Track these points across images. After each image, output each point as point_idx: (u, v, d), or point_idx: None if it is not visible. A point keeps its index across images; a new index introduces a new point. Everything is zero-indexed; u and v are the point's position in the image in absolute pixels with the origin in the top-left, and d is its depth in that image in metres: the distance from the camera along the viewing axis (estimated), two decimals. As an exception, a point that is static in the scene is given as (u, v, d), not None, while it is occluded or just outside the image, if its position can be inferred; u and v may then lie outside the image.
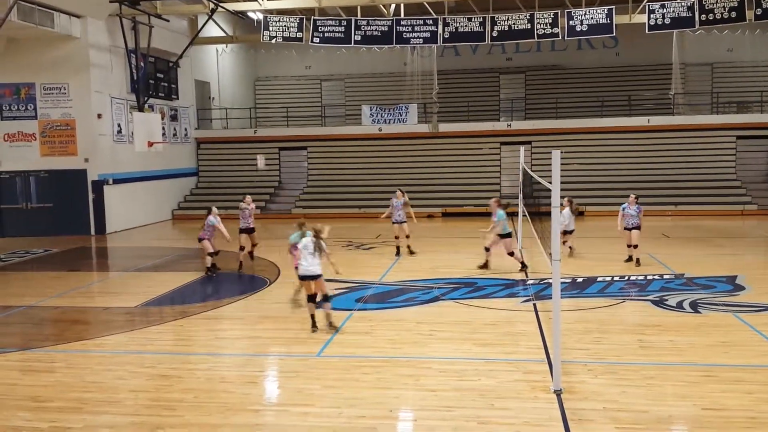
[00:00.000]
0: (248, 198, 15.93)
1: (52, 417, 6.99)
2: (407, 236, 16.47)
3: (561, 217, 13.74)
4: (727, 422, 6.50)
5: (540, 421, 6.62)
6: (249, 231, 15.59)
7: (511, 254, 14.14)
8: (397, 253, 16.45)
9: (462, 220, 24.58)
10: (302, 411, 7.00)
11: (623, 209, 15.06)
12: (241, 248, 15.33)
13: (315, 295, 9.97)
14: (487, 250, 14.48)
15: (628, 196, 15.43)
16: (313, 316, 9.94)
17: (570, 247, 15.81)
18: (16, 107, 22.02)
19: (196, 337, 10.09)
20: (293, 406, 7.18)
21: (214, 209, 14.99)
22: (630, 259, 14.76)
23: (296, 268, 10.28)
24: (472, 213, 25.35)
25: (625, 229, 14.92)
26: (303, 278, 9.96)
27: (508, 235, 14.23)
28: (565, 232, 15.66)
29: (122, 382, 8.09)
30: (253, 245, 15.84)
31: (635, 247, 14.68)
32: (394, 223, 16.42)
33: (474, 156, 28.19)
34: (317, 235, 9.90)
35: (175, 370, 8.42)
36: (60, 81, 21.82)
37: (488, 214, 14.96)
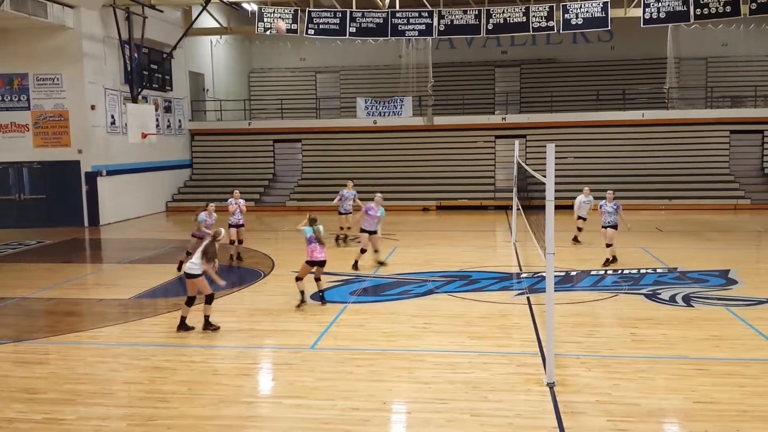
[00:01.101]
0: (236, 193, 15.62)
1: (45, 409, 6.99)
2: (350, 228, 17.24)
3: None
4: (719, 415, 6.54)
5: (533, 414, 6.66)
6: (238, 226, 15.28)
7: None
8: (337, 240, 17.18)
9: (456, 213, 24.61)
10: (296, 403, 7.01)
11: (600, 206, 14.52)
12: (231, 242, 15.14)
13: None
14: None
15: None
16: (303, 292, 10.86)
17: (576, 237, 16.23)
18: (9, 98, 21.89)
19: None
20: (287, 398, 7.20)
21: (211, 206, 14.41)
22: (608, 261, 14.07)
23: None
24: (466, 206, 25.41)
25: (602, 227, 14.30)
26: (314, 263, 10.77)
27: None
28: (582, 218, 16.18)
29: (116, 373, 8.09)
30: (239, 241, 15.39)
31: (608, 246, 14.07)
32: (340, 213, 17.48)
33: (469, 149, 28.19)
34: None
35: (168, 362, 8.42)
36: (53, 72, 21.69)
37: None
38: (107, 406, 7.03)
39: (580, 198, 16.55)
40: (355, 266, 13.82)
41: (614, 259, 14.15)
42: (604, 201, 14.54)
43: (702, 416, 6.54)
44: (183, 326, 9.73)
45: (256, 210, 26.68)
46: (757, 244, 17.98)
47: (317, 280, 11.06)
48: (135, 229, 22.13)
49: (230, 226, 15.06)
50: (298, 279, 10.96)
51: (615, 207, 14.26)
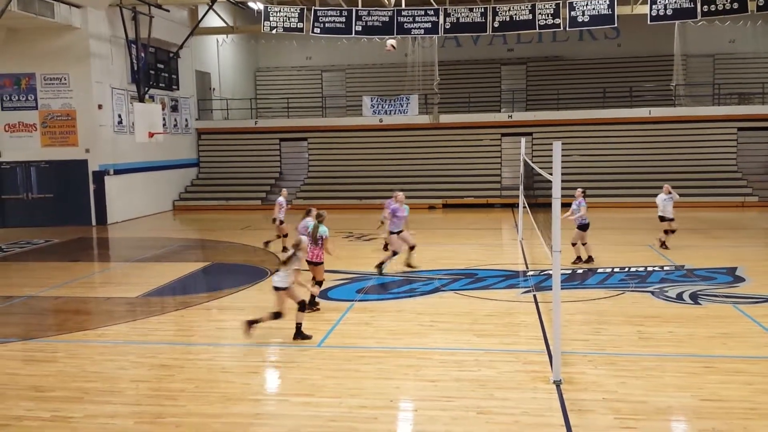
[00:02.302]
0: (285, 192, 16.69)
1: (53, 407, 7.03)
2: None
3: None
4: (726, 413, 6.52)
5: (540, 412, 6.65)
6: (281, 222, 16.00)
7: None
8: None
9: (463, 211, 24.58)
10: (303, 401, 7.03)
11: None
12: (285, 235, 15.82)
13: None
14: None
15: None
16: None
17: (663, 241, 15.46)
18: (16, 97, 22.00)
19: (197, 327, 10.12)
20: (294, 396, 7.21)
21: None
22: (578, 260, 13.78)
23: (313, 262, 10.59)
24: (472, 204, 25.38)
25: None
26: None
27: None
28: (663, 219, 15.32)
29: (123, 371, 8.13)
30: (284, 236, 16.02)
31: (573, 245, 13.65)
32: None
33: (475, 147, 28.15)
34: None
35: (176, 360, 8.46)
36: (60, 71, 21.78)
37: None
38: (115, 404, 7.06)
39: (661, 196, 15.68)
40: (380, 267, 13.29)
41: (590, 259, 13.81)
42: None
43: (709, 414, 6.52)
44: (300, 334, 9.14)
45: (263, 209, 26.73)
46: (764, 241, 17.89)
47: (314, 281, 10.63)
48: (142, 227, 22.20)
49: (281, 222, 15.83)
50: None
51: (578, 204, 13.56)
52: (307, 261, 10.34)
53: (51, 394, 7.37)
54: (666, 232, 15.61)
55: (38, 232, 20.64)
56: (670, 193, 15.65)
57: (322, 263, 10.65)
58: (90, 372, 8.05)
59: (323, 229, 10.58)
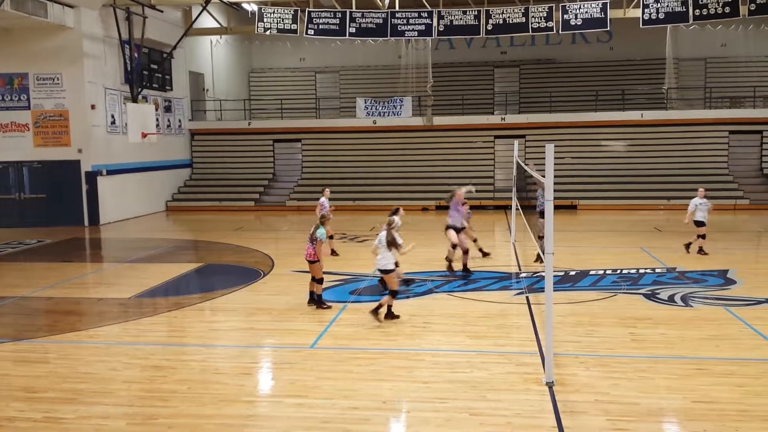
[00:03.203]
0: (327, 191, 16.08)
1: (45, 407, 7.00)
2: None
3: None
4: (718, 415, 6.56)
5: (532, 413, 6.67)
6: None
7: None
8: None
9: (456, 213, 24.57)
10: (296, 402, 7.03)
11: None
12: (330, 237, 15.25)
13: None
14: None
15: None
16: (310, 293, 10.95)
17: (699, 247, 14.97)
18: (9, 97, 21.90)
19: (189, 328, 10.10)
20: (287, 397, 7.21)
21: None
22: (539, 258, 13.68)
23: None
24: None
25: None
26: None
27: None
28: (699, 224, 14.74)
29: (116, 372, 8.10)
30: (329, 237, 15.34)
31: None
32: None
33: (468, 149, 28.22)
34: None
35: (168, 361, 8.44)
36: (53, 71, 21.71)
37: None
38: (107, 405, 7.04)
39: (695, 201, 15.29)
40: (450, 268, 13.40)
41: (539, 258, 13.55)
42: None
43: (701, 416, 6.56)
44: (390, 314, 9.96)
45: (256, 210, 26.73)
46: (756, 244, 17.99)
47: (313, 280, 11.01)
48: (135, 228, 22.14)
49: None
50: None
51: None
52: (306, 260, 10.76)
53: (43, 395, 7.34)
54: (699, 237, 15.18)
55: (30, 232, 20.56)
56: (705, 197, 15.23)
57: (317, 261, 10.73)
58: (82, 373, 8.03)
59: (321, 232, 10.70)
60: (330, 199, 15.81)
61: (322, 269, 10.97)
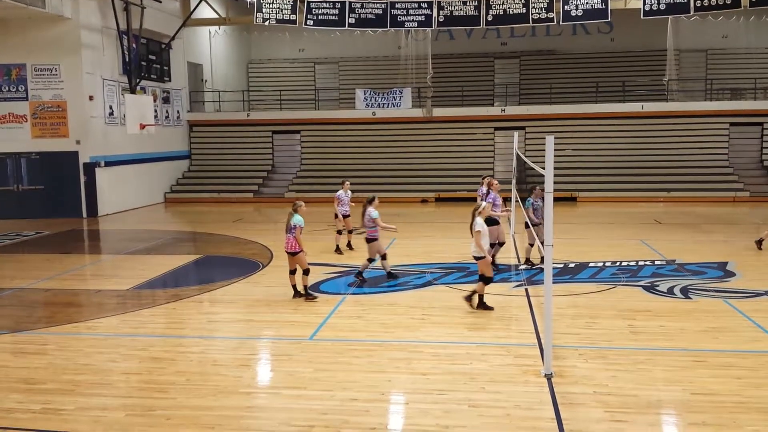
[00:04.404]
0: (347, 184, 15.48)
1: (44, 399, 7.00)
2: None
3: None
4: (716, 407, 6.56)
5: (531, 405, 6.67)
6: (346, 216, 15.19)
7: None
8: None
9: (455, 204, 24.58)
10: (295, 394, 7.03)
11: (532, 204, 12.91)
12: (349, 231, 15.26)
13: None
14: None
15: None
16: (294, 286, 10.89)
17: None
18: (6, 88, 21.83)
19: (188, 320, 10.09)
20: (285, 388, 7.21)
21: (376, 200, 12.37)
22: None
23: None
24: (465, 198, 25.37)
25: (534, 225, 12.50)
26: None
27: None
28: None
29: (114, 364, 8.10)
30: (349, 231, 15.38)
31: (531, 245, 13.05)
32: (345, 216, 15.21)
33: (468, 141, 28.16)
34: None
35: (167, 352, 8.43)
36: (51, 62, 21.62)
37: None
38: (106, 397, 7.04)
39: None
40: (528, 262, 13.20)
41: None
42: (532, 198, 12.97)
43: (699, 407, 6.55)
44: (483, 305, 10.01)
45: (254, 201, 26.70)
46: (755, 236, 17.93)
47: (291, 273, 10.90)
48: (133, 220, 22.12)
49: (344, 216, 15.13)
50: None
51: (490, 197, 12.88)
52: (286, 252, 10.68)
53: (41, 387, 7.34)
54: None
55: (28, 224, 20.53)
56: None
57: (300, 252, 10.61)
58: (81, 364, 8.02)
59: (297, 219, 10.58)
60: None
61: (306, 259, 10.79)
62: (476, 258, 9.92)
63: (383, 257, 12.04)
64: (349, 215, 15.30)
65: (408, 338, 8.87)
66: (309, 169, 28.56)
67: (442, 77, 30.14)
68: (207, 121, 29.61)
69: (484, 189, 13.48)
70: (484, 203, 10.39)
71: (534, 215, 12.51)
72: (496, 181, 13.12)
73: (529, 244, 13.21)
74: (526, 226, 12.90)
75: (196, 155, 29.52)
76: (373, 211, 11.81)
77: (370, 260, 12.02)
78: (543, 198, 12.67)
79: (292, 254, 10.67)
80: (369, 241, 11.88)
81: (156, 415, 6.57)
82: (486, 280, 9.98)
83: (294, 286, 10.91)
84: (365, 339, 8.87)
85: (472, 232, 9.80)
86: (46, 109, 21.94)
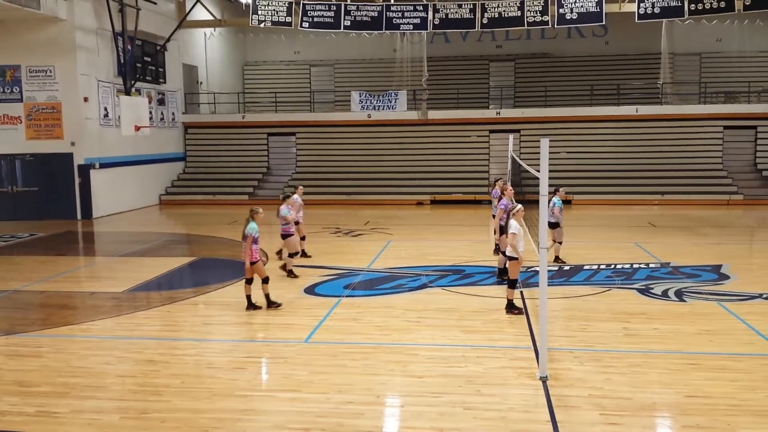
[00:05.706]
0: (300, 189, 14.79)
1: (38, 402, 6.97)
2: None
3: None
4: (711, 409, 6.58)
5: (526, 407, 6.68)
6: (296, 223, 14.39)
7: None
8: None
9: (451, 207, 24.61)
10: (290, 397, 7.02)
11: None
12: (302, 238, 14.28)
13: None
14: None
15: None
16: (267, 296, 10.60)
17: None
18: (1, 90, 21.76)
19: (183, 322, 10.07)
20: (281, 391, 7.20)
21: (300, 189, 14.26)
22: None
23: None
24: (460, 200, 25.41)
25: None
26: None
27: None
28: None
29: (109, 367, 8.07)
30: (301, 238, 14.30)
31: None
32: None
33: (463, 143, 28.19)
34: None
35: (162, 355, 8.41)
36: (46, 63, 21.56)
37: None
38: (100, 399, 7.02)
39: None
40: (558, 259, 13.57)
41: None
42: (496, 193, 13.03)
43: (694, 410, 6.57)
44: (512, 307, 10.05)
45: (250, 203, 26.65)
46: (749, 239, 18.04)
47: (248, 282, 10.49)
48: (128, 222, 22.06)
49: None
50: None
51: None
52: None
53: (36, 389, 7.31)
54: None
55: (23, 225, 20.46)
56: None
57: (257, 261, 10.25)
58: (75, 367, 8.00)
59: (252, 227, 10.21)
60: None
61: (264, 268, 10.46)
62: (509, 258, 9.99)
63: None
64: (299, 222, 14.24)
65: (403, 341, 8.87)
66: (304, 171, 28.53)
67: (438, 80, 30.18)
68: (202, 123, 29.56)
69: (498, 191, 13.72)
70: (519, 206, 10.28)
71: (560, 214, 13.21)
72: (510, 188, 12.92)
73: (558, 242, 13.61)
74: (551, 226, 12.67)
75: (191, 157, 29.46)
76: (283, 209, 12.39)
77: (291, 255, 12.59)
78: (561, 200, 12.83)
79: (252, 263, 10.26)
80: (284, 237, 12.46)
81: (151, 418, 6.56)
82: (512, 284, 10.05)
83: (248, 297, 10.43)
84: (360, 342, 8.86)
85: (498, 232, 9.89)
86: (40, 111, 21.87)
